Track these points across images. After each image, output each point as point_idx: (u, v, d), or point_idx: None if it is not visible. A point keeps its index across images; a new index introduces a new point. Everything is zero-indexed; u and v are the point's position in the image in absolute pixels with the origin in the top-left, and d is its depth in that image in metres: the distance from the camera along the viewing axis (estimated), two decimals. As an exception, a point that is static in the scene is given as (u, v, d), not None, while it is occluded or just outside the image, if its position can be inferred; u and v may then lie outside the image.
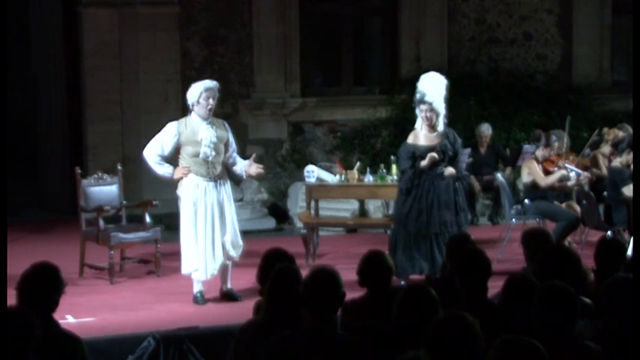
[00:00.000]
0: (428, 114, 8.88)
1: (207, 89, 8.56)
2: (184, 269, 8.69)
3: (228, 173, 8.87)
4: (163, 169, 8.70)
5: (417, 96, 8.93)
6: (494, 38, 14.08)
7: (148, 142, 12.44)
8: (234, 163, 8.86)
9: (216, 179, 8.62)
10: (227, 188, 8.72)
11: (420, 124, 9.02)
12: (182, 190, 8.62)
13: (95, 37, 12.54)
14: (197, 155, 8.54)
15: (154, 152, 8.71)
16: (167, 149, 8.66)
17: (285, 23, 13.19)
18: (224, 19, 13.09)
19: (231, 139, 8.83)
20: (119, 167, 10.25)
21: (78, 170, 9.93)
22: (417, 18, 13.69)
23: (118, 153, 12.40)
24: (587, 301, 5.41)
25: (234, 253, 8.70)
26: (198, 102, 8.56)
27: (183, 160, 8.63)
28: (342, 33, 13.87)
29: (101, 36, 12.52)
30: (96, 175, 10.05)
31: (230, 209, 8.71)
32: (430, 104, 8.87)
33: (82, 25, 12.64)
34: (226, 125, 8.83)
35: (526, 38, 14.18)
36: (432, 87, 8.92)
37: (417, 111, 8.99)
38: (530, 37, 14.18)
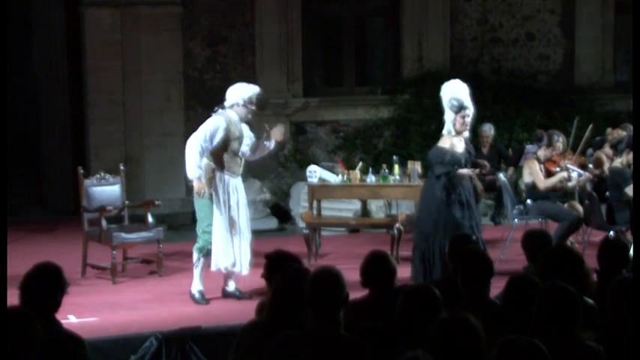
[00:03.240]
0: (467, 119, 8.93)
1: (257, 95, 8.60)
2: (216, 265, 8.66)
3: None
4: (196, 168, 8.53)
5: (455, 103, 8.89)
6: (496, 38, 14.08)
7: (150, 142, 12.61)
8: (255, 146, 8.89)
9: (238, 177, 8.70)
10: (242, 186, 8.82)
11: (450, 131, 8.98)
12: (214, 188, 8.62)
13: (97, 37, 12.54)
14: (237, 153, 8.60)
15: (199, 143, 8.50)
16: (216, 140, 8.51)
17: (288, 23, 13.19)
18: (226, 19, 13.10)
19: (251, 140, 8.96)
20: (121, 167, 10.25)
21: (80, 170, 9.93)
22: (419, 18, 13.69)
23: (120, 153, 12.41)
24: (590, 301, 5.40)
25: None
26: (244, 105, 8.58)
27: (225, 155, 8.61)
28: (344, 33, 13.87)
29: (103, 36, 12.53)
30: (98, 175, 10.05)
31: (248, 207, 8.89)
32: (470, 109, 8.91)
33: (84, 25, 12.65)
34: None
35: (528, 38, 14.18)
36: (462, 93, 8.95)
37: (452, 118, 8.92)
38: (533, 37, 14.18)
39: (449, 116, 8.96)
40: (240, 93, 8.60)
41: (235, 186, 8.64)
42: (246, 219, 8.72)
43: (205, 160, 8.55)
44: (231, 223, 8.59)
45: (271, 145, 9.00)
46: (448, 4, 13.81)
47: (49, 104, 13.63)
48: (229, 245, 8.59)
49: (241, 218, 8.65)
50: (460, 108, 8.89)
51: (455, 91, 8.97)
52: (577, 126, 10.87)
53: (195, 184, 8.58)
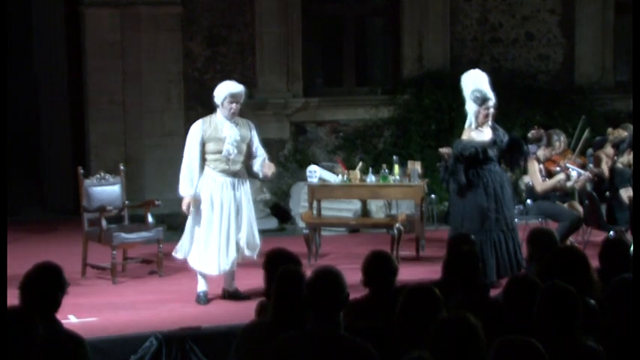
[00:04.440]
0: (490, 111, 8.95)
1: (231, 95, 8.62)
2: (184, 253, 8.74)
3: (248, 173, 8.89)
4: (185, 185, 8.64)
5: (477, 94, 8.93)
6: (496, 38, 14.08)
7: (150, 143, 12.60)
8: (253, 163, 8.88)
9: (234, 177, 8.64)
10: (246, 187, 8.75)
11: (472, 123, 9.02)
12: (199, 185, 8.64)
13: (97, 37, 12.55)
14: (219, 152, 8.58)
15: (188, 160, 8.65)
16: (197, 152, 8.60)
17: (288, 23, 13.19)
18: (226, 20, 13.10)
19: (255, 139, 8.84)
20: (121, 167, 10.25)
21: (80, 170, 9.93)
22: (419, 18, 13.69)
23: (120, 153, 12.41)
24: (592, 302, 5.40)
25: (250, 253, 8.71)
26: (222, 104, 8.63)
27: (207, 156, 8.62)
28: (344, 33, 13.87)
29: (103, 36, 12.53)
30: (98, 175, 10.05)
31: (248, 208, 8.73)
32: (492, 100, 8.94)
33: (84, 25, 12.66)
34: (251, 125, 8.87)
35: (528, 38, 14.17)
36: (483, 84, 8.99)
37: (475, 109, 8.96)
38: (533, 37, 14.18)
39: (471, 108, 8.99)
40: (218, 94, 8.67)
41: (222, 184, 8.60)
42: (236, 219, 8.62)
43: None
44: (214, 222, 8.56)
45: (259, 174, 8.97)
46: (448, 4, 13.81)
47: (49, 104, 13.62)
48: (202, 244, 8.59)
49: (228, 217, 8.58)
50: (484, 100, 8.93)
51: (477, 83, 9.00)
52: (583, 124, 10.86)
53: (184, 202, 8.66)
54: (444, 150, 9.13)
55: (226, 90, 8.65)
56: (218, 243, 8.58)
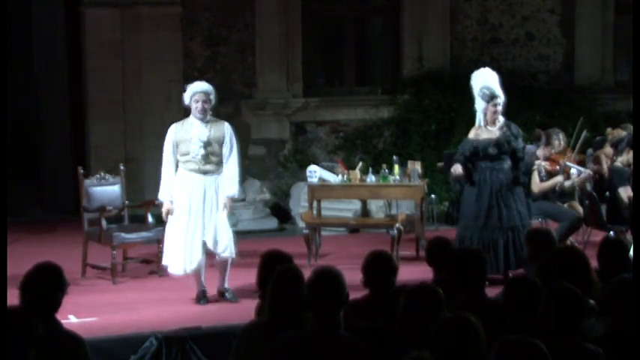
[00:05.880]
0: (499, 108, 8.99)
1: (195, 93, 8.62)
2: (164, 261, 8.77)
3: None
4: (164, 191, 8.66)
5: (486, 92, 8.98)
6: (496, 38, 14.09)
7: (150, 143, 12.60)
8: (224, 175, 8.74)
9: (205, 175, 8.58)
10: (218, 187, 8.66)
11: (481, 121, 9.06)
12: (174, 186, 8.65)
13: (97, 37, 12.55)
14: (187, 153, 8.58)
15: (166, 163, 8.68)
16: (171, 157, 8.63)
17: (288, 23, 13.20)
18: (226, 20, 13.10)
19: (228, 141, 8.69)
20: (121, 167, 10.25)
21: (80, 170, 9.93)
22: (419, 18, 13.70)
23: (120, 153, 12.41)
24: (591, 302, 5.40)
25: (225, 253, 8.62)
26: (191, 104, 8.64)
27: (180, 157, 8.64)
28: (344, 33, 13.88)
29: (103, 36, 12.54)
30: (98, 175, 10.05)
31: (216, 207, 8.59)
32: (500, 98, 8.98)
33: (84, 25, 12.66)
34: (227, 127, 8.75)
35: (528, 38, 14.18)
36: (493, 82, 9.03)
37: (484, 107, 9.01)
38: (533, 37, 14.19)
39: (480, 105, 9.05)
40: (185, 95, 8.69)
41: (193, 182, 8.56)
42: (209, 217, 8.55)
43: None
44: (181, 221, 8.53)
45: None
46: (448, 4, 13.82)
47: (49, 104, 13.63)
48: (171, 244, 8.58)
49: (196, 215, 8.53)
50: (492, 97, 8.97)
51: (486, 80, 9.06)
52: (580, 125, 10.87)
53: (164, 208, 8.66)
54: (456, 173, 9.11)
55: (191, 89, 8.68)
56: (184, 243, 8.54)
